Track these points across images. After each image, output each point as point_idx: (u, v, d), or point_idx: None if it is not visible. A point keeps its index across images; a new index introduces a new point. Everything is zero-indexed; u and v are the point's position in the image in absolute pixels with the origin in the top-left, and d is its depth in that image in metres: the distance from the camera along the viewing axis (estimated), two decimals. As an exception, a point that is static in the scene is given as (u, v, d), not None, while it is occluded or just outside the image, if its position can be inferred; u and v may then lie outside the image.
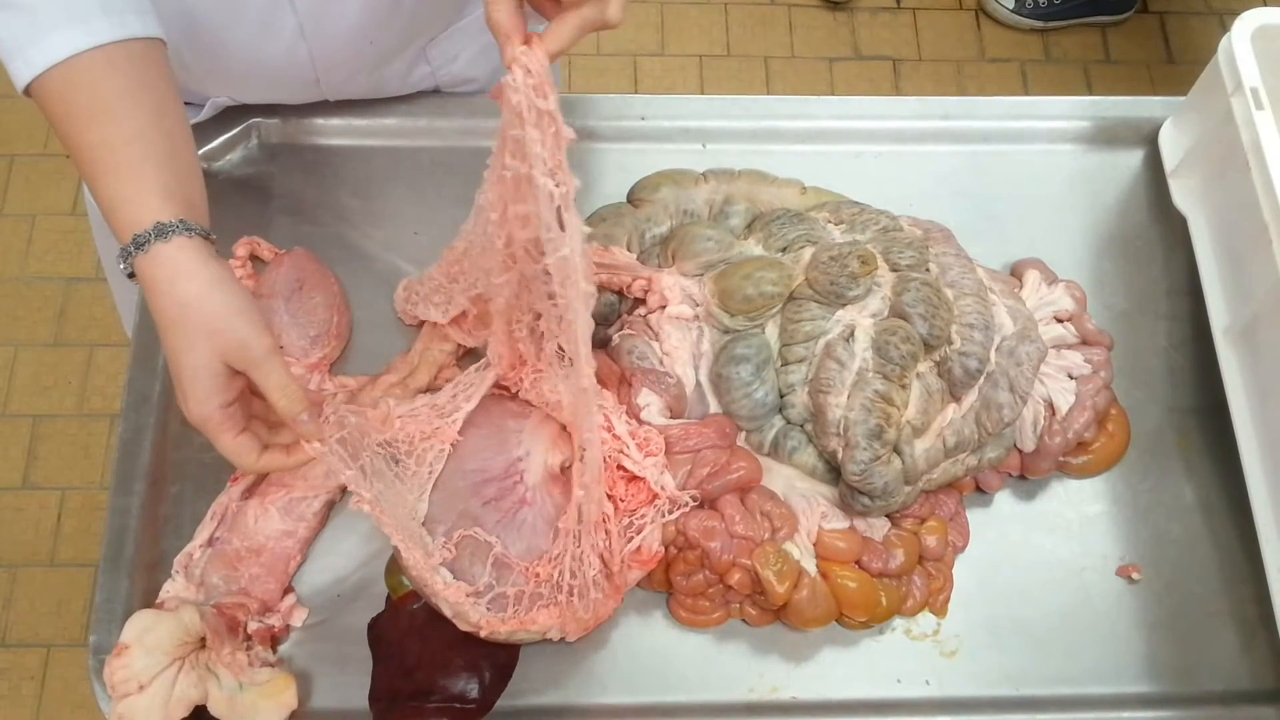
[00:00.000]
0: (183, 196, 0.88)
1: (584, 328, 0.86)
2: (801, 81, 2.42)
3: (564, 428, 1.01)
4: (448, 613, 0.94)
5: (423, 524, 0.96)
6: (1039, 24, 2.46)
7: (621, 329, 1.08)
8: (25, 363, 2.09)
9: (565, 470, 1.00)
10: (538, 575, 0.95)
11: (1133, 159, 1.26)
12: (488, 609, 0.94)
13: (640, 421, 1.02)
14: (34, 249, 2.17)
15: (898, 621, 1.04)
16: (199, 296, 0.86)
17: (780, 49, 2.45)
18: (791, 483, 1.04)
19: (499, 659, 0.98)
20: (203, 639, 0.96)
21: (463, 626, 0.95)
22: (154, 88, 0.89)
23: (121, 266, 0.88)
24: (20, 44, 0.86)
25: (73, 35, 0.85)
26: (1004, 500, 1.10)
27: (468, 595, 0.93)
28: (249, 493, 1.03)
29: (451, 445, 1.00)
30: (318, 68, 1.11)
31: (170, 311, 0.86)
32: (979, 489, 1.09)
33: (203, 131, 1.16)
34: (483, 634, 0.95)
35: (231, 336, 0.86)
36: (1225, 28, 1.09)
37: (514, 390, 1.04)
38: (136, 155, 0.87)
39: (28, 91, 0.88)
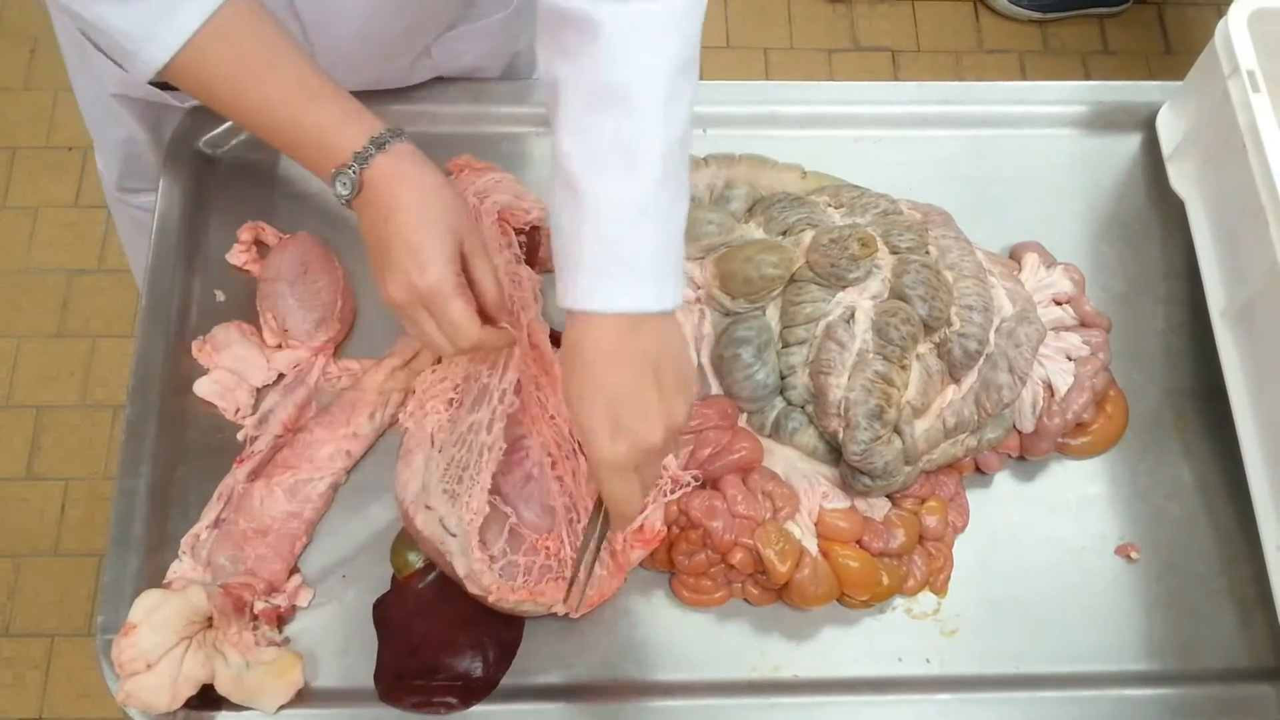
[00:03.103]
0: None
1: None
2: (801, 73, 2.42)
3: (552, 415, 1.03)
4: (460, 573, 0.95)
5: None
6: (1037, 15, 2.46)
7: (624, 312, 1.09)
8: (28, 354, 2.09)
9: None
10: (548, 549, 0.96)
11: (1130, 143, 1.26)
12: (499, 576, 0.95)
13: (643, 402, 1.03)
14: (37, 241, 2.18)
15: (898, 600, 1.05)
16: (438, 185, 0.92)
17: (779, 40, 2.45)
18: (793, 463, 1.05)
19: (504, 638, 0.99)
20: (210, 618, 0.97)
21: (472, 589, 0.96)
22: (283, 26, 0.94)
23: (343, 190, 0.91)
24: (154, 22, 0.88)
25: None
26: (1003, 481, 1.11)
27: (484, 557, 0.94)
28: (255, 475, 1.04)
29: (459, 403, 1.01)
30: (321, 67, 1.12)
31: (412, 196, 0.90)
32: (978, 469, 1.09)
33: (208, 117, 1.17)
34: (490, 599, 0.95)
35: (468, 222, 0.93)
36: (1222, 17, 1.10)
37: None
38: (326, 83, 0.92)
39: (169, 68, 0.90)
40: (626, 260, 0.82)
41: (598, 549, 0.94)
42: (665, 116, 0.83)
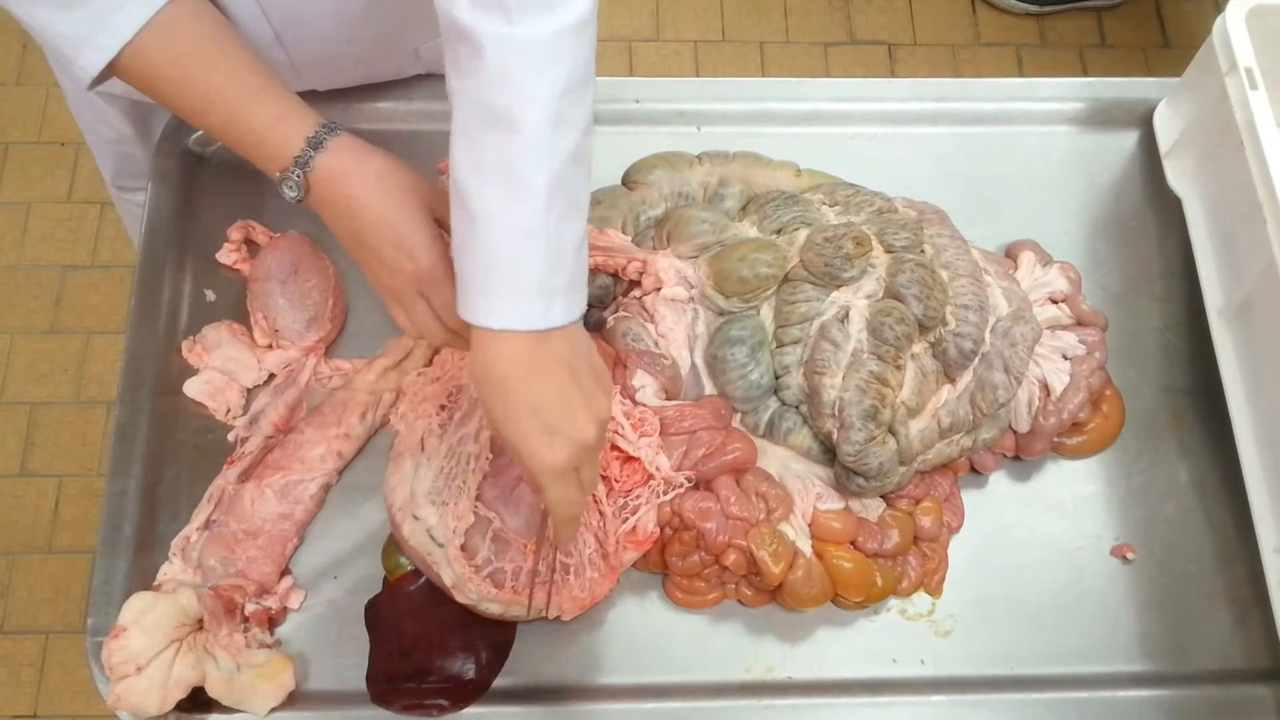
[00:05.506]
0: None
1: None
2: (797, 67, 2.41)
3: None
4: (448, 581, 0.94)
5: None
6: (1034, 8, 2.45)
7: (616, 311, 1.08)
8: (22, 350, 2.08)
9: None
10: (535, 553, 0.95)
11: (1127, 140, 1.26)
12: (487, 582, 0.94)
13: (635, 403, 1.02)
14: (30, 236, 2.17)
15: (893, 602, 1.05)
16: (387, 170, 0.90)
17: (775, 34, 2.44)
18: (787, 464, 1.04)
19: (496, 639, 0.98)
20: (200, 621, 0.96)
21: (460, 599, 0.95)
22: (229, 24, 0.93)
23: (291, 192, 0.90)
24: (91, 28, 0.87)
25: None
26: (999, 481, 1.10)
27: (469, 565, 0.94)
28: (246, 476, 1.04)
29: (449, 414, 1.00)
30: (299, 69, 1.11)
31: (371, 184, 0.89)
32: (974, 470, 1.09)
33: (197, 115, 1.16)
34: (480, 607, 0.95)
35: (430, 186, 0.91)
36: (1220, 11, 1.09)
37: None
38: (267, 80, 0.91)
39: (112, 68, 0.89)
40: (515, 281, 0.81)
41: (553, 559, 0.95)
42: (552, 141, 0.81)
